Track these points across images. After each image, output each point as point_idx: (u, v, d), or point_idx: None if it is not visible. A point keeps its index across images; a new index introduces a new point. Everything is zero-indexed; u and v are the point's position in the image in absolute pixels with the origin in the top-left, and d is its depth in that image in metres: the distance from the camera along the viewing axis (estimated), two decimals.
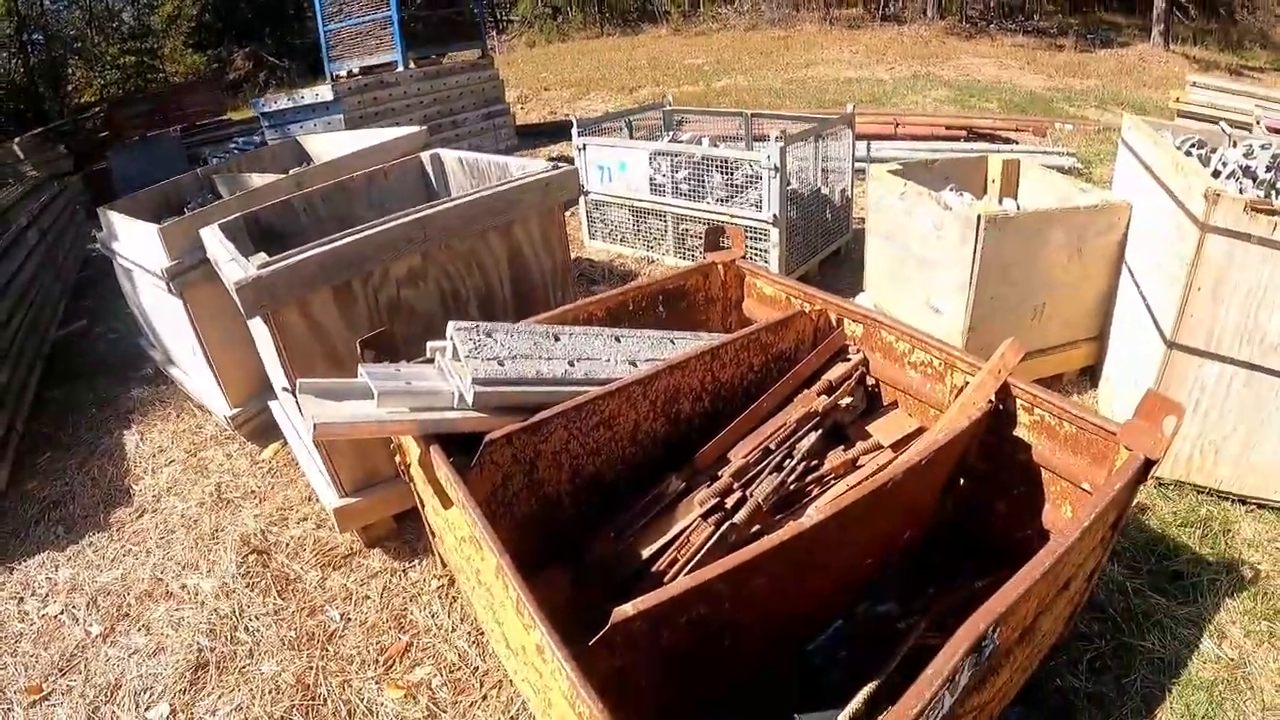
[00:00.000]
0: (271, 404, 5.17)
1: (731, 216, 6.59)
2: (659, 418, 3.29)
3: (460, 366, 2.99)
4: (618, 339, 3.43)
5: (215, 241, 4.14)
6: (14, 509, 5.56)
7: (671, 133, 8.57)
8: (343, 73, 10.88)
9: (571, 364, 3.18)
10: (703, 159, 6.83)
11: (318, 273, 3.49)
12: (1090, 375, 5.51)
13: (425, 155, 5.33)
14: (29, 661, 4.11)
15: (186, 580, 4.41)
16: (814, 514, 2.55)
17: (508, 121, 11.30)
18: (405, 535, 4.43)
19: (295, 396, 2.99)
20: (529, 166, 4.43)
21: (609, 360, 3.30)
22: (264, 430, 5.59)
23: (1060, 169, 7.97)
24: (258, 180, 6.30)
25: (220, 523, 4.86)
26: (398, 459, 3.44)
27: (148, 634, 4.11)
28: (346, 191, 5.07)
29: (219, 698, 3.65)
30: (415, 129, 6.26)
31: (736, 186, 6.76)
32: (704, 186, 6.90)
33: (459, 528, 2.81)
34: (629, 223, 7.64)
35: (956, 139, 10.77)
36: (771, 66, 19.75)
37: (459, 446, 2.82)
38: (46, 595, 4.61)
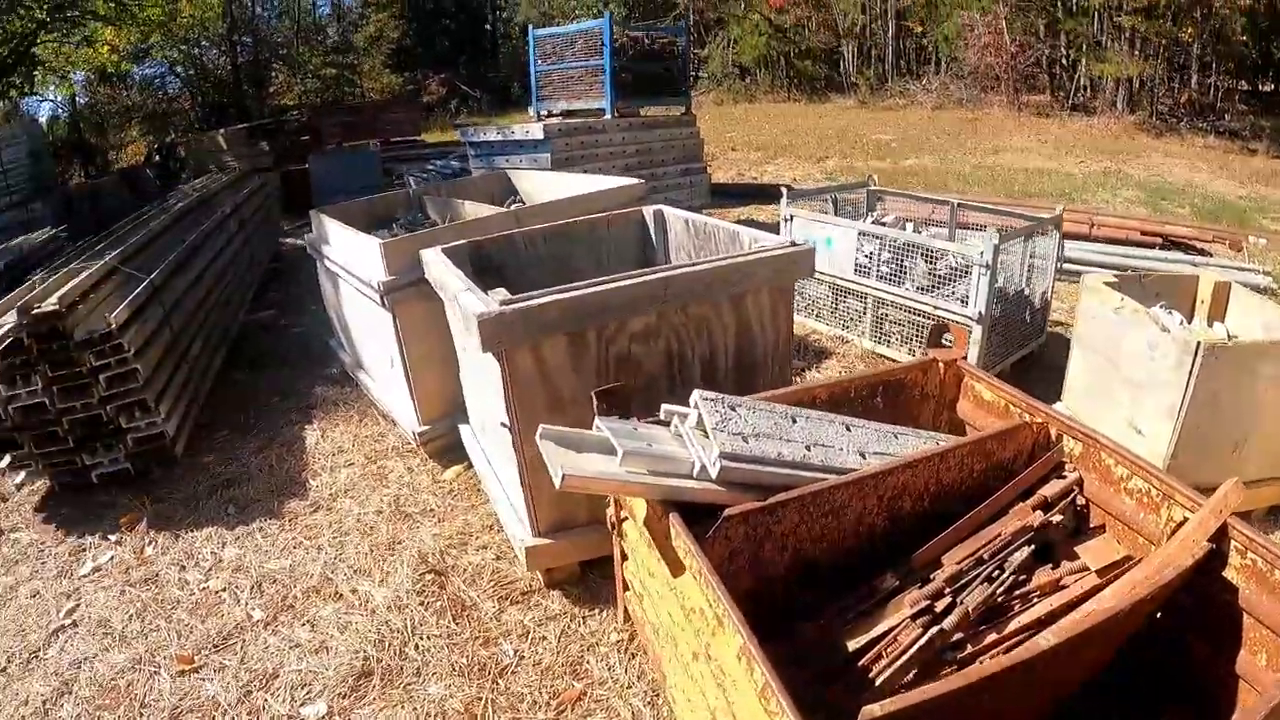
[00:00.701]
0: (461, 427, 5.18)
1: (935, 307, 6.44)
2: (882, 512, 3.18)
3: (703, 437, 2.94)
4: (848, 427, 3.34)
5: (442, 266, 4.15)
6: (187, 478, 5.71)
7: (875, 212, 8.46)
8: (547, 111, 11.06)
9: (809, 448, 3.10)
10: (906, 244, 6.72)
11: (559, 318, 3.46)
12: (1276, 514, 5.20)
13: (648, 211, 5.30)
14: (182, 630, 4.15)
15: (358, 585, 4.37)
16: (1051, 636, 2.43)
17: (703, 180, 11.33)
18: (588, 581, 4.28)
19: (512, 431, 2.96)
20: (761, 239, 4.32)
21: (841, 449, 3.21)
22: (448, 450, 5.56)
23: (1255, 288, 7.56)
24: (470, 208, 6.43)
25: (398, 535, 4.82)
26: (610, 512, 3.40)
27: (312, 630, 4.07)
28: (567, 235, 5.07)
29: (380, 710, 3.57)
30: (634, 181, 6.25)
31: (940, 277, 6.61)
32: (906, 272, 6.77)
33: (689, 597, 2.71)
34: (827, 299, 7.50)
35: (1151, 246, 10.38)
36: (959, 149, 19.27)
37: (688, 515, 2.76)
38: (210, 569, 4.67)
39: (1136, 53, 26.01)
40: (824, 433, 3.23)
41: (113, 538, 5.14)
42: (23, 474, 5.71)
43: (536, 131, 9.17)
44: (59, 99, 38.21)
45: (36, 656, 4.14)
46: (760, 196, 13.53)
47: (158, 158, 19.59)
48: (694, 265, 3.79)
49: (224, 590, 4.46)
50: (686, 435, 3.00)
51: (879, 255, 6.94)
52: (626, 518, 3.29)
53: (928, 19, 31.99)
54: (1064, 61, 28.88)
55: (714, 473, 2.81)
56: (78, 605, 4.51)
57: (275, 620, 4.19)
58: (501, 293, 3.48)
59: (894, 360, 6.62)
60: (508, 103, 43.64)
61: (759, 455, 2.91)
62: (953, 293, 6.46)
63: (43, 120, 38.60)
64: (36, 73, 27.83)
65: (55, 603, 4.56)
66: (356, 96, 43.58)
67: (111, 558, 4.94)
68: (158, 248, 7.40)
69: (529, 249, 4.93)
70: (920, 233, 7.53)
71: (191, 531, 5.07)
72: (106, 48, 26.56)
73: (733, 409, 3.02)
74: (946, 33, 30.42)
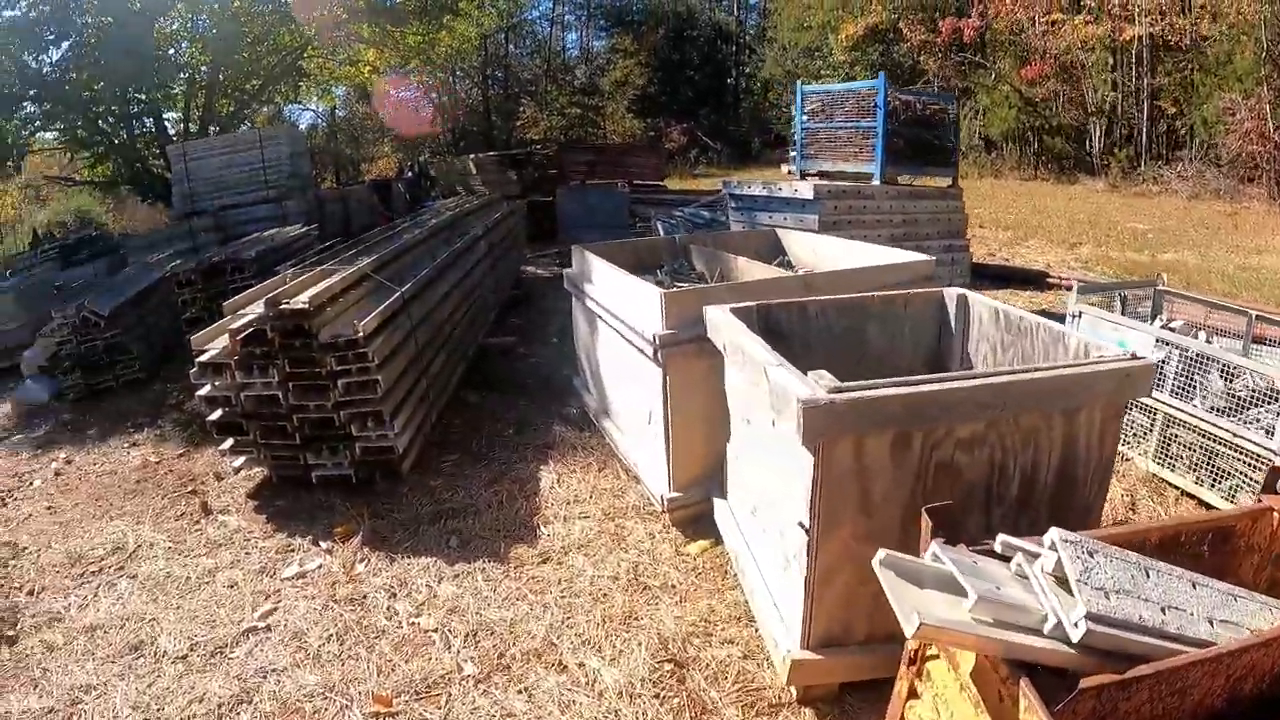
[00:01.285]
0: (717, 502, 4.70)
1: (1234, 434, 5.62)
2: (1223, 694, 2.57)
3: (1058, 586, 2.41)
4: (1194, 585, 2.75)
5: (737, 330, 3.72)
6: (410, 499, 5.45)
7: (1162, 315, 7.66)
8: (814, 171, 10.61)
9: (1164, 611, 2.53)
10: (1201, 356, 5.94)
11: (894, 415, 3.00)
12: None
13: (950, 293, 4.74)
14: (384, 665, 3.80)
15: (586, 659, 3.87)
16: None
17: (965, 258, 10.65)
18: (844, 703, 3.61)
19: (810, 533, 2.48)
20: (1095, 347, 3.78)
21: (1192, 614, 2.62)
22: (695, 521, 4.99)
23: None
24: (743, 265, 6.11)
25: (634, 608, 4.28)
26: (912, 646, 2.88)
27: (529, 701, 3.60)
28: (863, 311, 4.59)
29: None
30: (921, 256, 5.69)
31: (1239, 399, 5.78)
32: (1197, 388, 5.98)
33: None
34: None
35: None
36: (1220, 245, 17.58)
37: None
38: (422, 604, 4.32)
39: None
40: (1174, 592, 2.63)
41: (324, 545, 4.92)
42: (242, 459, 5.64)
43: (806, 191, 8.73)
44: (320, 109, 40.46)
45: (222, 653, 3.91)
46: (1016, 280, 12.67)
47: (410, 174, 20.09)
48: (1033, 371, 3.24)
49: (435, 631, 4.08)
50: (1038, 582, 2.46)
51: (1172, 366, 6.18)
52: (936, 656, 2.75)
53: (1183, 99, 30.04)
54: None
55: (1076, 635, 2.26)
56: (275, 609, 4.28)
57: (488, 679, 3.74)
58: (825, 377, 3.01)
59: (1178, 488, 5.80)
60: (747, 157, 43.66)
61: (1123, 618, 2.35)
62: (1256, 420, 5.62)
63: (302, 127, 40.92)
64: (302, 84, 29.08)
65: (252, 600, 4.36)
66: (599, 137, 44.37)
67: (319, 566, 4.71)
68: (409, 260, 7.29)
69: (819, 320, 4.46)
70: (1211, 343, 6.74)
71: (408, 558, 4.75)
72: (368, 68, 27.72)
73: (1091, 555, 2.47)
74: (1205, 115, 28.25)
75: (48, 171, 28.85)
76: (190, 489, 5.87)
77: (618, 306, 5.19)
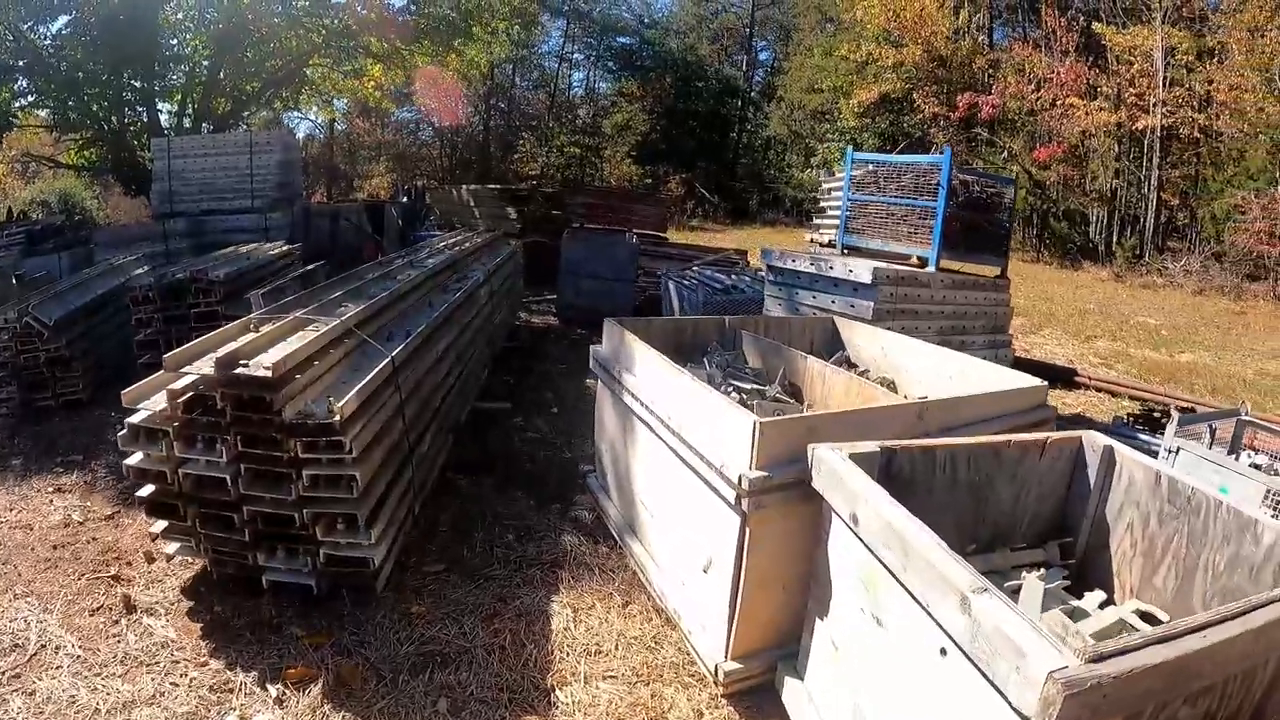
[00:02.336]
0: (789, 681, 3.54)
1: None
2: None
3: None
4: None
5: (869, 492, 2.71)
6: (387, 628, 4.24)
7: (1247, 452, 6.68)
8: (856, 248, 9.55)
9: None
10: None
11: (1156, 688, 1.96)
12: None
13: (1092, 442, 3.66)
14: None
15: None
16: None
17: (1009, 354, 9.64)
18: None
19: None
20: None
21: None
22: (753, 695, 3.80)
23: None
24: (815, 369, 5.16)
25: None
26: None
27: None
28: (995, 459, 3.53)
29: None
30: (1034, 381, 4.69)
31: None
32: None
33: None
34: None
35: None
36: (1233, 347, 17.30)
37: None
38: None
39: None
40: None
41: (272, 690, 3.71)
42: (176, 545, 4.54)
43: (863, 273, 7.61)
44: (319, 120, 39.90)
45: None
46: (1042, 377, 11.65)
47: (405, 198, 19.10)
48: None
49: None
50: None
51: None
52: None
53: (1191, 193, 30.11)
54: None
55: None
56: None
57: None
58: (1072, 630, 1.95)
59: None
60: (743, 215, 43.46)
61: None
62: None
63: (300, 136, 40.33)
64: (303, 93, 28.89)
65: None
66: (596, 179, 44.01)
67: None
68: (403, 310, 6.18)
69: (946, 469, 3.40)
70: None
71: None
72: (372, 83, 27.28)
73: None
74: (1215, 211, 28.21)
75: (37, 149, 28.52)
76: (114, 571, 4.75)
77: (676, 417, 4.06)
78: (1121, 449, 3.61)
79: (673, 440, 3.98)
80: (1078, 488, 3.73)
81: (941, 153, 8.63)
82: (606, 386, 4.95)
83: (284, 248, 11.03)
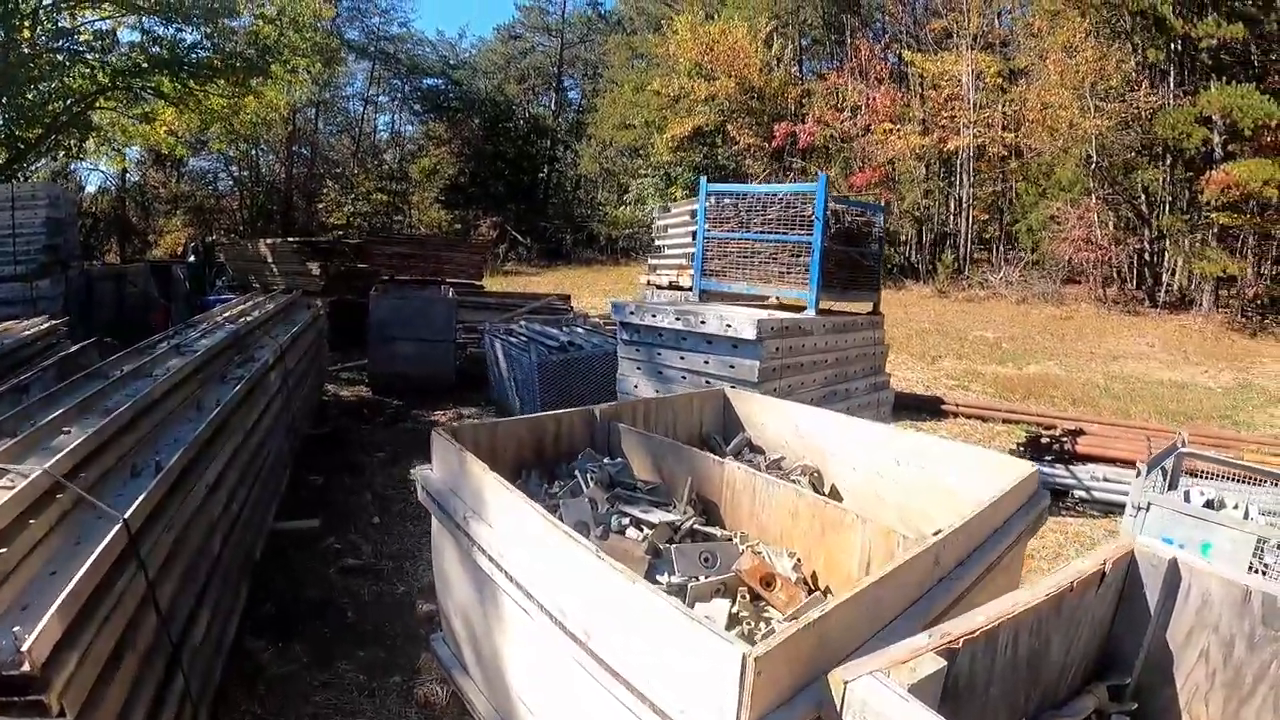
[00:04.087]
0: None
1: None
2: None
3: None
4: None
5: None
6: None
7: (1186, 483, 5.79)
8: (717, 293, 8.28)
9: None
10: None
11: None
12: None
13: (1148, 556, 2.49)
14: None
15: None
16: None
17: (890, 395, 8.54)
18: None
19: None
20: None
21: None
22: None
23: None
24: (738, 475, 3.76)
25: None
26: None
27: None
28: (1056, 614, 2.29)
29: None
30: (1026, 466, 3.46)
31: None
32: None
33: None
34: None
35: None
36: (1074, 354, 17.71)
37: None
38: None
39: (1233, 251, 25.22)
40: None
41: None
42: None
43: (745, 327, 6.21)
44: (110, 171, 37.35)
45: None
46: (907, 407, 11.00)
47: (192, 257, 17.28)
48: None
49: None
50: None
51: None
52: None
53: (1004, 207, 31.93)
54: (1148, 257, 27.97)
55: None
56: None
57: None
58: None
59: None
60: (558, 255, 42.69)
61: None
62: None
63: (91, 190, 37.83)
64: (90, 140, 26.71)
65: None
66: (404, 227, 42.80)
67: None
68: (162, 420, 4.57)
69: (1008, 650, 2.16)
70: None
71: None
72: (164, 129, 25.67)
73: None
74: (1031, 223, 29.47)
75: None
76: None
77: (583, 621, 2.48)
78: (1189, 560, 2.50)
79: (579, 654, 2.46)
80: (1130, 613, 2.66)
81: (808, 180, 7.46)
82: (448, 532, 3.39)
83: (46, 324, 9.16)
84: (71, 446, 3.49)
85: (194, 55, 22.96)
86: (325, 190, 45.30)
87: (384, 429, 9.43)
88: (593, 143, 45.82)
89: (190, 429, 4.45)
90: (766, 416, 4.79)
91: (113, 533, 3.11)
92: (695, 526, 3.54)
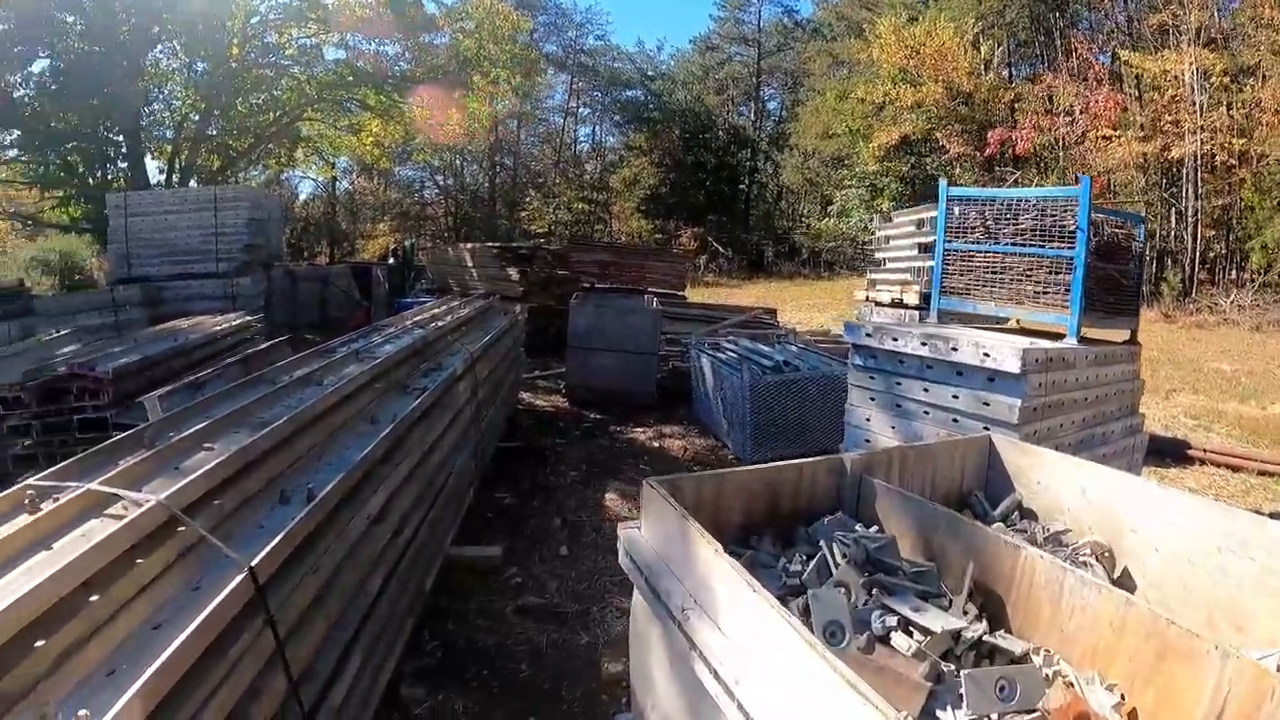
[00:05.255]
0: None
1: None
2: None
3: None
4: None
5: None
6: None
7: None
8: (957, 313, 7.29)
9: None
10: None
11: None
12: None
13: None
14: None
15: None
16: None
17: (1144, 440, 7.25)
18: None
19: None
20: None
21: None
22: None
23: None
24: (1039, 566, 2.69)
25: None
26: None
27: None
28: None
29: None
30: None
31: None
32: None
33: None
34: None
35: None
36: None
37: None
38: None
39: None
40: None
41: None
42: None
43: (1008, 358, 5.18)
44: (320, 180, 38.78)
45: None
46: (1152, 451, 9.55)
47: (393, 259, 17.23)
48: None
49: None
50: None
51: None
52: None
53: (1234, 222, 28.29)
54: None
55: None
56: None
57: None
58: None
59: None
60: (758, 267, 41.70)
61: None
62: None
63: (303, 197, 39.64)
64: (299, 150, 28.36)
65: None
66: (605, 235, 42.81)
67: None
68: (334, 430, 3.95)
69: None
70: None
71: None
72: (371, 140, 26.53)
73: None
74: (1266, 240, 26.12)
75: (20, 205, 27.22)
76: None
77: None
78: None
79: None
80: None
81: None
82: (657, 620, 2.57)
83: (238, 321, 8.98)
84: (206, 468, 2.88)
85: (397, 69, 24.02)
86: (528, 199, 45.89)
87: (579, 445, 8.78)
88: (795, 153, 44.72)
89: (358, 447, 3.82)
90: (1044, 473, 3.75)
91: (233, 584, 2.46)
92: (984, 637, 2.59)
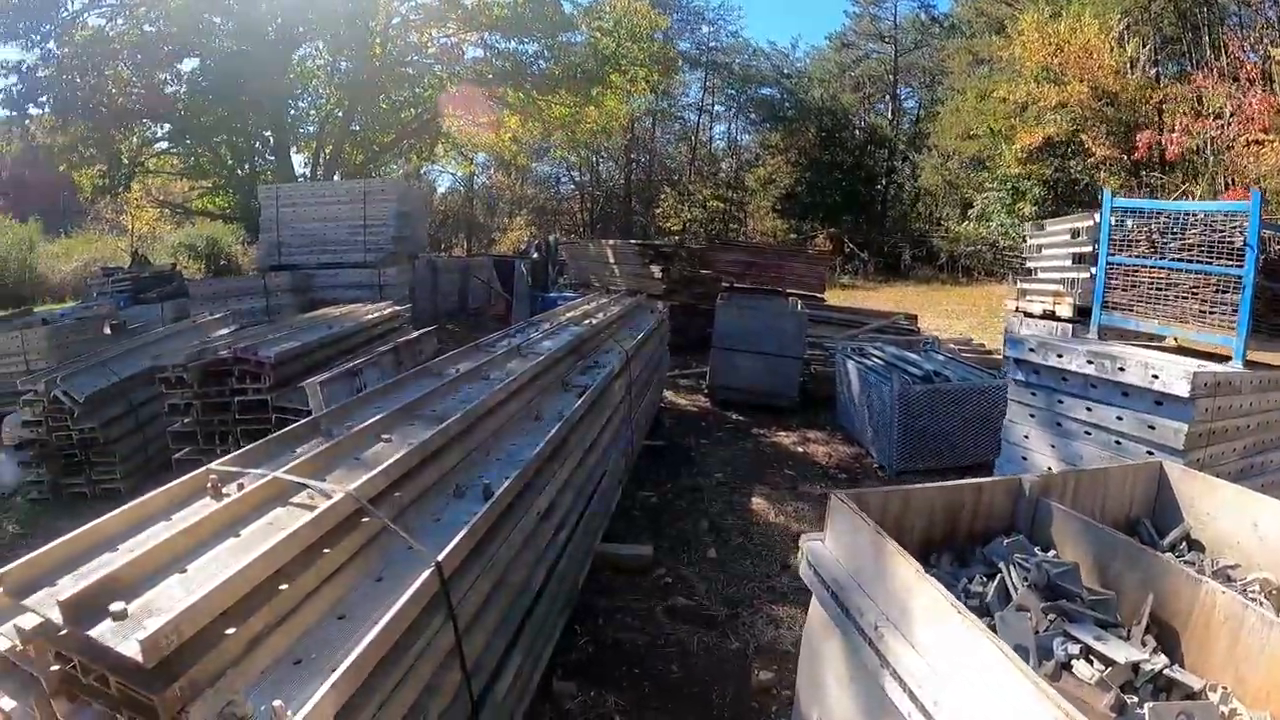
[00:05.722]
0: None
1: None
2: None
3: None
4: None
5: None
6: None
7: None
8: (1116, 329, 7.05)
9: None
10: None
11: None
12: None
13: None
14: None
15: None
16: None
17: None
18: None
19: None
20: None
21: None
22: None
23: None
24: (1220, 602, 2.55)
25: None
26: None
27: None
28: None
29: None
30: None
31: None
32: None
33: None
34: None
35: None
36: None
37: None
38: None
39: None
40: None
41: None
42: None
43: (1177, 380, 4.98)
44: (458, 174, 39.55)
45: None
46: None
47: (535, 254, 17.44)
48: None
49: None
50: None
51: None
52: None
53: None
54: None
55: None
56: None
57: None
58: None
59: None
60: (894, 271, 40.62)
61: None
62: None
63: (441, 190, 40.52)
64: (439, 146, 29.02)
65: None
66: (739, 234, 42.49)
67: None
68: (494, 430, 3.99)
69: None
70: None
71: None
72: (509, 136, 27.18)
73: None
74: None
75: (169, 196, 29.16)
76: None
77: None
78: None
79: None
80: None
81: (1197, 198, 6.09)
82: (841, 635, 2.53)
83: (388, 310, 9.19)
84: (389, 462, 2.92)
85: (536, 67, 24.08)
86: (662, 196, 45.76)
87: (722, 446, 8.69)
88: (934, 153, 43.25)
89: (527, 444, 3.86)
90: (1214, 504, 3.56)
91: (422, 578, 2.50)
92: (1165, 671, 2.49)
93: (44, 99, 20.06)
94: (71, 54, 19.20)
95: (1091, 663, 2.45)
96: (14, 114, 20.75)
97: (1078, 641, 2.51)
